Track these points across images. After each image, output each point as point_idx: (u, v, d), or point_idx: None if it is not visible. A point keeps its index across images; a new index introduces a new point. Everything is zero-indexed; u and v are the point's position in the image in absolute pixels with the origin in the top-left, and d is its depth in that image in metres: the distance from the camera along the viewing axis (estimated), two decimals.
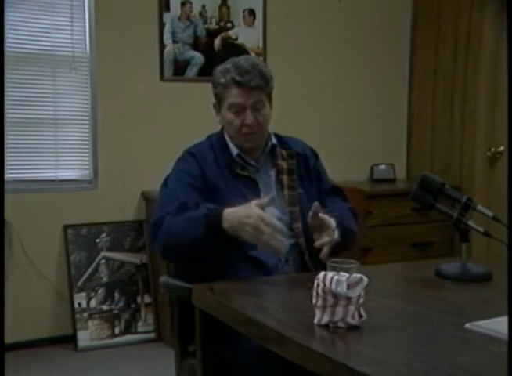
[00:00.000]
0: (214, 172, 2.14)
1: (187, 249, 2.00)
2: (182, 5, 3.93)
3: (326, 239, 2.02)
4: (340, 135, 4.43)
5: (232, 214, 1.92)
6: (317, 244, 2.02)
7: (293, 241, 2.15)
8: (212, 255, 2.02)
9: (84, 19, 3.73)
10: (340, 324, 1.47)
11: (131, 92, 3.86)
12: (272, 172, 2.23)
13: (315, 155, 2.36)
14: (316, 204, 2.01)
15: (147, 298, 3.88)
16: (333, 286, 1.45)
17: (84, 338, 3.69)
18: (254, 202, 1.93)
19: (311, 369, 1.36)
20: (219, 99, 2.18)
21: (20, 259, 3.67)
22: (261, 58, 4.05)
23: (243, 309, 1.66)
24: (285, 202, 2.19)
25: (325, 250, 2.01)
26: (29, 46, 3.64)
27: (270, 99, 2.21)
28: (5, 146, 3.51)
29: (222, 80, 2.13)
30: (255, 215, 1.88)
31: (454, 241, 4.06)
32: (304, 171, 2.27)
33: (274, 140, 2.26)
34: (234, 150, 2.19)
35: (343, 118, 4.45)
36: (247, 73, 2.11)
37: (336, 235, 2.05)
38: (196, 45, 3.99)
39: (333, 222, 2.06)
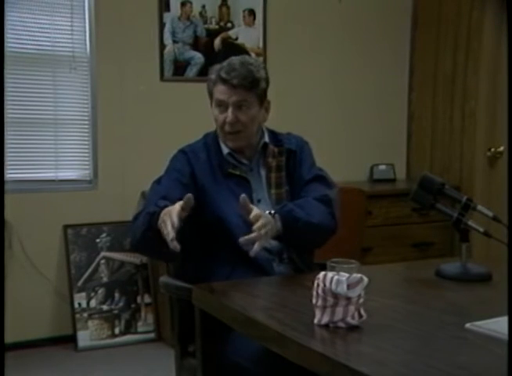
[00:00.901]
0: (206, 171, 2.15)
1: (139, 245, 2.03)
2: (182, 5, 3.93)
3: (251, 235, 1.87)
4: (340, 135, 4.43)
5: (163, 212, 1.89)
6: (241, 240, 1.87)
7: None
8: (170, 254, 1.93)
9: (84, 19, 3.73)
10: (340, 324, 1.47)
11: (131, 92, 3.86)
12: (263, 171, 2.23)
13: (308, 147, 2.32)
14: (243, 196, 1.91)
15: (147, 298, 3.88)
16: (333, 286, 1.45)
17: (84, 338, 3.69)
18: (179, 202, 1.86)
19: (311, 369, 1.36)
20: (210, 96, 2.20)
21: (20, 259, 3.67)
22: (261, 58, 4.05)
23: (243, 309, 1.66)
24: (272, 201, 2.18)
25: (255, 246, 1.86)
26: (29, 46, 3.64)
27: (262, 100, 2.18)
28: (5, 146, 3.51)
29: (212, 76, 2.16)
30: (168, 209, 1.85)
31: (454, 241, 4.06)
32: (293, 168, 2.25)
33: (267, 138, 2.25)
34: (225, 149, 2.20)
35: (343, 118, 4.45)
36: (234, 71, 2.10)
37: (260, 231, 1.87)
38: (196, 45, 3.99)
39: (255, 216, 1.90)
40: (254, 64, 2.16)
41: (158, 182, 2.19)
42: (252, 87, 2.12)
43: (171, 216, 1.80)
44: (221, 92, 2.12)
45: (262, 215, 1.93)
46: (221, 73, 2.11)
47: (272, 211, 2.02)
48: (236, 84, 2.09)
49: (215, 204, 2.11)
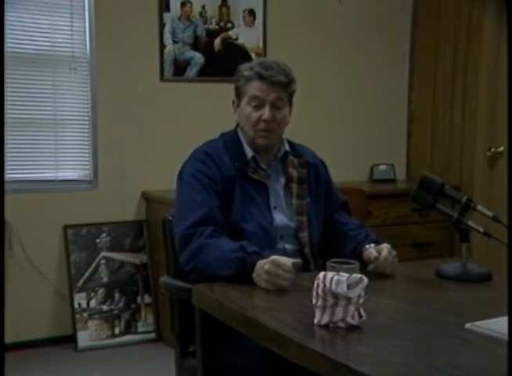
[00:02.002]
0: (230, 174, 2.12)
1: (212, 279, 1.94)
2: (182, 5, 3.93)
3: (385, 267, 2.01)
4: (340, 136, 4.43)
5: (261, 263, 1.86)
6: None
7: (298, 248, 2.16)
8: None
9: (84, 19, 3.73)
10: (340, 324, 1.47)
11: (131, 92, 3.86)
12: (282, 179, 2.22)
13: (324, 167, 2.35)
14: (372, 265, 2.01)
15: (147, 298, 3.88)
16: (333, 286, 1.45)
17: (84, 338, 3.69)
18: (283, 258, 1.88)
19: (311, 369, 1.36)
20: (239, 94, 2.17)
21: (20, 259, 3.67)
22: (261, 58, 4.04)
23: (243, 309, 1.66)
24: (293, 211, 2.18)
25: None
26: (29, 46, 3.64)
27: (291, 102, 2.20)
28: (5, 146, 3.51)
29: (246, 73, 2.14)
30: (271, 259, 1.83)
31: (454, 241, 4.05)
32: (314, 181, 2.26)
33: (287, 146, 2.25)
34: (249, 153, 2.17)
35: (343, 118, 4.45)
36: (271, 69, 2.12)
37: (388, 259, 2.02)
38: (196, 46, 3.99)
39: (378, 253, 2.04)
40: (286, 66, 2.19)
41: (183, 184, 2.13)
42: (287, 86, 2.14)
43: (289, 270, 1.82)
44: (258, 88, 2.12)
45: (381, 246, 2.05)
46: (259, 70, 2.12)
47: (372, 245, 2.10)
48: (275, 82, 2.11)
49: (234, 207, 2.10)
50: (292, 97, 2.20)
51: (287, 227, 2.16)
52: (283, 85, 2.12)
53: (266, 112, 2.11)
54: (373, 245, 2.09)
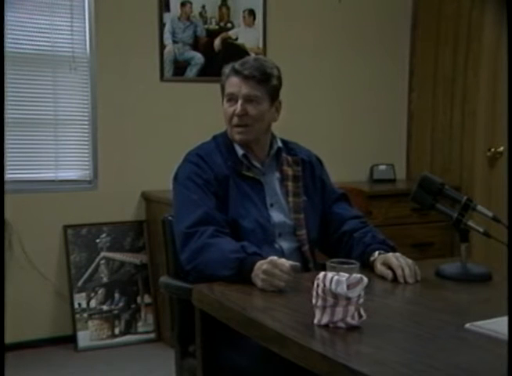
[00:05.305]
0: (223, 174, 2.13)
1: (211, 278, 1.93)
2: (182, 5, 3.93)
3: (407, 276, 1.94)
4: (340, 136, 4.43)
5: (260, 263, 1.84)
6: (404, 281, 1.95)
7: (297, 245, 2.16)
8: None
9: (84, 19, 3.73)
10: (340, 324, 1.47)
11: (131, 92, 3.86)
12: (277, 177, 2.22)
13: (320, 163, 2.35)
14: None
15: (147, 298, 3.88)
16: (333, 286, 1.45)
17: (84, 338, 3.69)
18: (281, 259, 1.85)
19: (311, 369, 1.36)
20: (222, 92, 2.19)
21: (20, 259, 3.66)
22: None
23: (243, 309, 1.66)
24: (290, 209, 2.18)
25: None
26: (29, 46, 3.64)
27: (273, 98, 2.18)
28: (5, 146, 3.51)
29: (226, 70, 2.16)
30: (269, 259, 1.82)
31: (454, 241, 4.05)
32: (310, 179, 2.26)
33: (280, 143, 2.25)
34: (240, 151, 2.18)
35: (343, 118, 4.45)
36: (247, 63, 2.13)
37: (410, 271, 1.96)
38: (196, 46, 3.99)
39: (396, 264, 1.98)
40: (267, 61, 2.21)
41: (179, 187, 2.13)
42: (263, 80, 2.13)
43: (286, 271, 1.80)
44: (232, 84, 2.13)
45: (399, 262, 1.99)
46: (235, 65, 2.13)
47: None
48: (247, 75, 2.10)
49: (231, 206, 2.10)
50: (273, 93, 2.18)
51: (285, 224, 2.16)
52: (256, 80, 2.11)
53: (238, 106, 2.11)
54: (377, 254, 2.06)
